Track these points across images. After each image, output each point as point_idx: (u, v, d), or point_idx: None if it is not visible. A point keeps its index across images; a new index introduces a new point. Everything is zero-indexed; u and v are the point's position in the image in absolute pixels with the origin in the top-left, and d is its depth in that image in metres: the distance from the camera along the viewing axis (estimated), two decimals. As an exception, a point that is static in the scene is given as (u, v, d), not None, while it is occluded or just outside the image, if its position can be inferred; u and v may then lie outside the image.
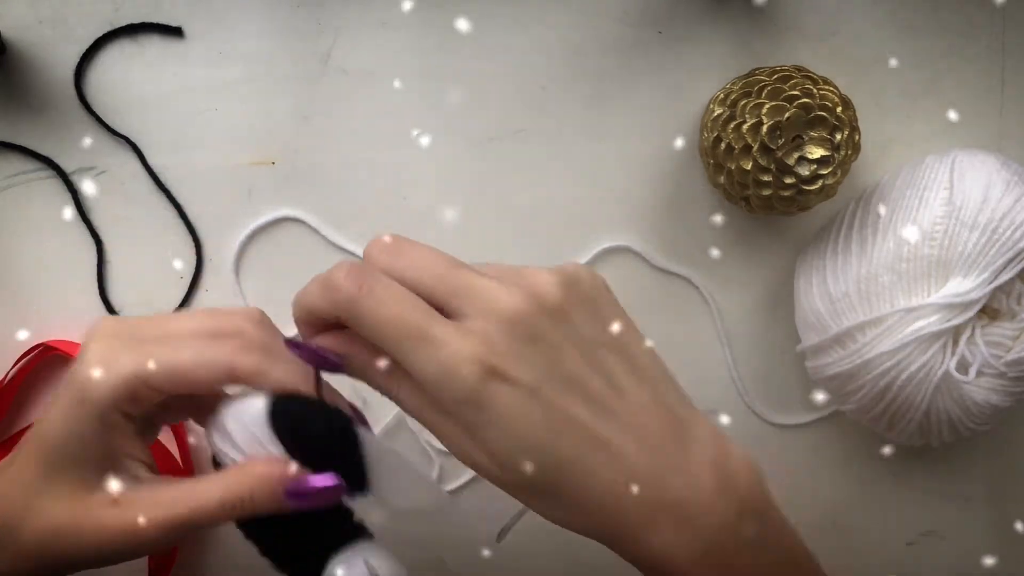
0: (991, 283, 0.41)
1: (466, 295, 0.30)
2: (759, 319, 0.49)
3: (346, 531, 0.36)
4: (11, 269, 0.47)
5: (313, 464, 0.32)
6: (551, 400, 0.30)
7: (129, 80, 0.46)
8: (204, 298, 0.48)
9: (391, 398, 0.32)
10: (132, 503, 0.32)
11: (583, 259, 0.48)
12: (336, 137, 0.47)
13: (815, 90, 0.42)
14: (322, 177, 0.47)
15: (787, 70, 0.43)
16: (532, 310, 0.30)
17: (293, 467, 0.32)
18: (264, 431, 0.32)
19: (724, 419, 0.49)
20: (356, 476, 0.33)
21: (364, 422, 0.35)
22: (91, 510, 0.32)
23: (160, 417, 0.36)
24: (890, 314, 0.42)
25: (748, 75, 0.45)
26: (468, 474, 0.49)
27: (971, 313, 0.41)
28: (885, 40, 0.47)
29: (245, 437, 0.33)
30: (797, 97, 0.42)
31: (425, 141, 0.47)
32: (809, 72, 0.43)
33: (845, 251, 0.44)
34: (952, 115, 0.48)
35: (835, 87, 0.43)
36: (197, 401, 0.35)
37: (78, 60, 0.46)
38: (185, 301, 0.48)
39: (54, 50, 0.46)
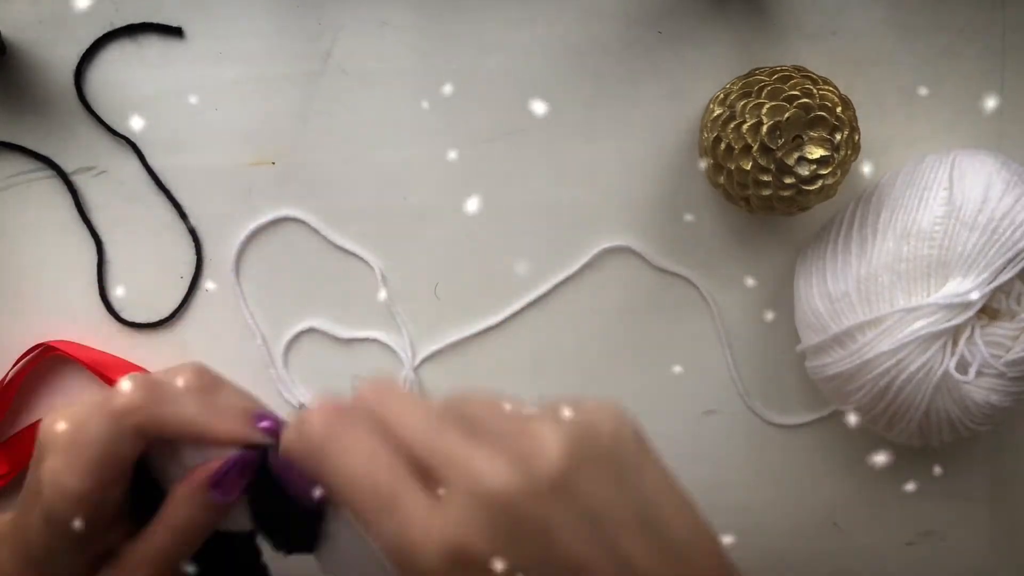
0: (991, 283, 0.41)
1: (449, 464, 0.26)
2: (759, 319, 0.49)
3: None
4: (11, 269, 0.47)
5: (268, 511, 0.33)
6: None
7: (129, 80, 0.46)
8: (204, 298, 0.48)
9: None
10: None
11: (583, 259, 0.48)
12: (336, 137, 0.47)
13: (815, 90, 0.42)
14: (322, 177, 0.47)
15: (787, 70, 0.43)
16: (523, 488, 0.25)
17: (205, 467, 0.32)
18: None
19: (724, 419, 0.49)
20: (308, 537, 0.33)
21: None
22: None
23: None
24: (890, 314, 0.42)
25: (748, 75, 0.45)
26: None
27: (971, 313, 0.41)
28: (885, 40, 0.47)
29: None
30: (797, 97, 0.42)
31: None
32: (809, 72, 0.43)
33: (845, 251, 0.44)
34: (952, 115, 0.48)
35: (835, 87, 0.43)
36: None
37: (78, 60, 0.46)
38: (185, 301, 0.48)
39: (54, 50, 0.46)
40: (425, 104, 0.47)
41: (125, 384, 0.32)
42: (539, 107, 0.47)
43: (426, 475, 0.26)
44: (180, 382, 0.33)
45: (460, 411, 0.28)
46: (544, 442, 0.26)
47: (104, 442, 0.31)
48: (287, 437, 0.29)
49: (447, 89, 0.47)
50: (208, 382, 0.34)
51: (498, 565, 0.24)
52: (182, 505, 0.32)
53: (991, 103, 0.48)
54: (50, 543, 0.32)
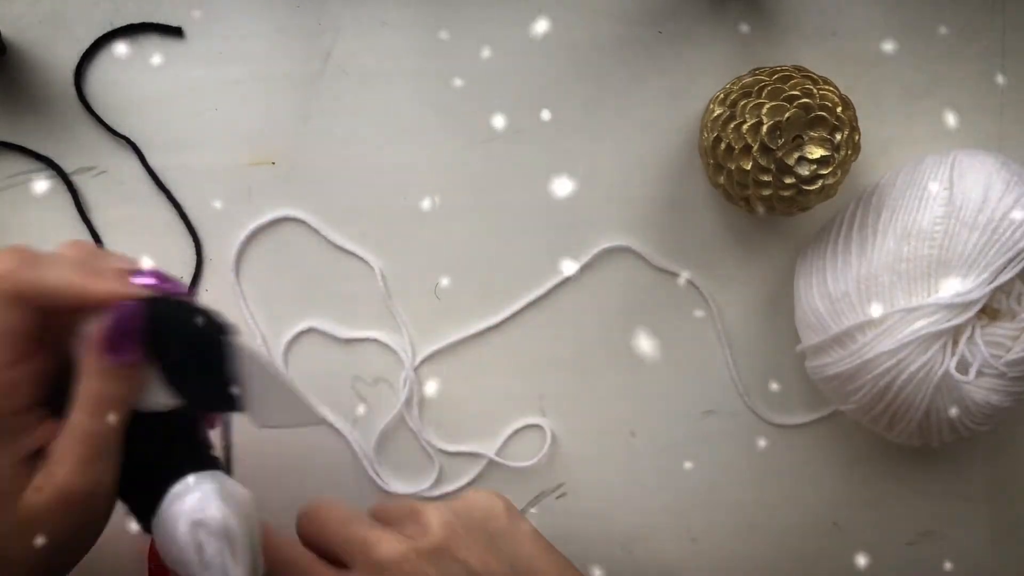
0: (991, 283, 0.41)
1: (351, 547, 0.35)
2: (759, 319, 0.49)
3: (198, 461, 0.36)
4: (11, 269, 0.47)
5: (175, 367, 0.33)
6: None
7: (129, 80, 0.47)
8: (204, 298, 0.48)
9: None
10: (49, 477, 0.32)
11: (583, 259, 0.48)
12: (336, 137, 0.47)
13: (815, 90, 0.42)
14: (322, 177, 0.47)
15: (787, 70, 0.43)
16: (407, 555, 0.34)
17: (94, 331, 0.32)
18: None
19: (724, 419, 0.49)
20: (223, 388, 0.34)
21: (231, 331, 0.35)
22: (27, 509, 0.32)
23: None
24: (890, 314, 0.42)
25: (748, 75, 0.45)
26: (468, 475, 0.49)
27: (971, 313, 0.41)
28: (885, 40, 0.47)
29: None
30: (797, 97, 0.42)
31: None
32: (809, 72, 0.43)
33: (845, 251, 0.44)
34: (952, 115, 0.48)
35: (835, 87, 0.43)
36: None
37: (78, 60, 0.46)
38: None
39: (54, 50, 0.46)
40: (425, 104, 0.47)
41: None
42: (539, 107, 0.47)
43: (341, 564, 0.35)
44: (57, 251, 0.33)
45: (374, 512, 0.37)
46: (427, 520, 0.35)
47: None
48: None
49: (447, 89, 0.47)
50: (88, 251, 0.34)
51: None
52: (88, 379, 0.32)
53: (991, 103, 0.48)
54: None
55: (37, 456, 0.32)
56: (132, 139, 0.47)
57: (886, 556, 0.50)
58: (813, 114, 0.42)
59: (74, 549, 0.34)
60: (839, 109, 0.42)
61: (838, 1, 0.47)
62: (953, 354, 0.42)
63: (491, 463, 0.49)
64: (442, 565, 0.34)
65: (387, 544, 0.35)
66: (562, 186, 0.48)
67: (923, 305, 0.41)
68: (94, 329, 0.32)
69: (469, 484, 0.49)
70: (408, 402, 0.48)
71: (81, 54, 0.46)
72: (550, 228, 0.48)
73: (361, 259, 0.48)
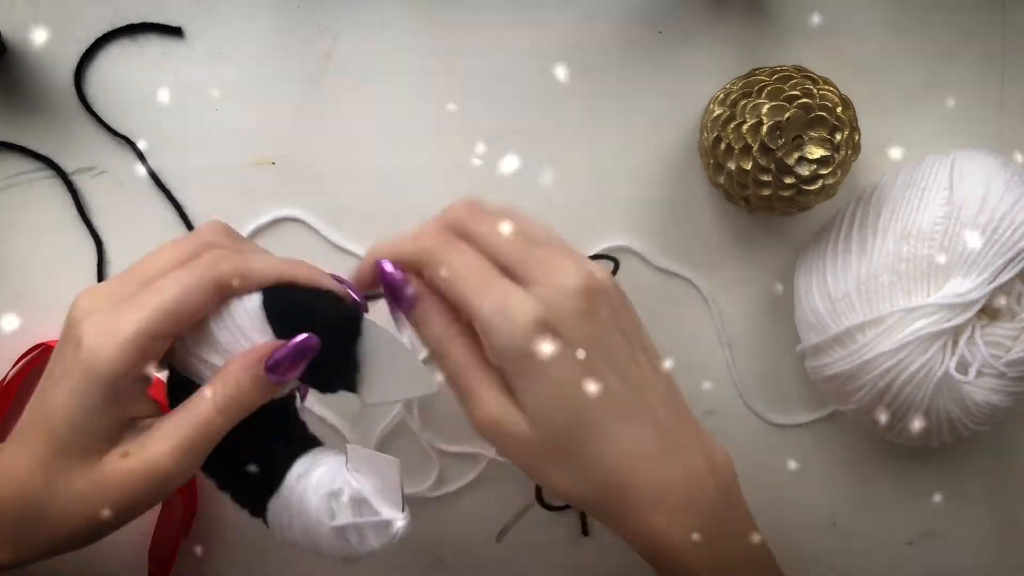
0: (991, 283, 0.41)
1: (535, 265, 0.34)
2: (759, 319, 0.49)
3: (302, 441, 0.37)
4: (11, 269, 0.47)
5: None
6: (593, 367, 0.33)
7: (129, 80, 0.46)
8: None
9: (437, 352, 0.35)
10: (141, 447, 0.33)
11: (583, 259, 0.48)
12: (336, 137, 0.47)
13: (815, 90, 0.42)
14: (322, 177, 0.47)
15: (787, 70, 0.43)
16: (592, 290, 0.33)
17: (263, 348, 0.34)
18: (255, 326, 0.34)
19: (724, 419, 0.49)
20: (348, 371, 0.35)
21: (365, 308, 0.36)
22: (106, 471, 0.33)
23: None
24: (890, 314, 0.42)
25: (748, 75, 0.45)
26: (469, 476, 0.49)
27: (971, 313, 0.41)
28: (885, 40, 0.47)
29: (230, 340, 0.34)
30: (797, 97, 0.42)
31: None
32: (809, 72, 0.43)
33: (845, 251, 0.44)
34: (952, 115, 0.48)
35: (835, 87, 0.43)
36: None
37: (78, 60, 0.46)
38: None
39: (54, 50, 0.46)
40: (425, 104, 0.47)
41: (208, 235, 0.35)
42: (539, 107, 0.47)
43: (513, 277, 0.34)
44: (214, 235, 0.35)
45: (528, 230, 0.36)
46: (597, 269, 0.35)
47: (181, 292, 0.32)
48: (402, 241, 0.36)
49: (447, 89, 0.47)
50: (234, 234, 0.36)
51: (567, 335, 0.33)
52: (231, 378, 0.34)
53: (991, 103, 0.48)
54: (83, 406, 0.32)
55: (130, 426, 0.34)
56: (132, 139, 0.47)
57: (886, 556, 0.50)
58: (813, 114, 0.42)
59: (115, 526, 0.34)
60: (839, 109, 0.42)
61: (838, 1, 0.47)
62: (953, 354, 0.42)
63: (491, 462, 0.49)
64: (610, 313, 0.34)
65: (575, 274, 0.33)
66: (562, 186, 0.48)
67: (923, 305, 0.41)
68: (266, 346, 0.34)
69: (469, 484, 0.49)
70: (408, 402, 0.48)
71: (81, 54, 0.46)
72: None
73: (361, 259, 0.48)
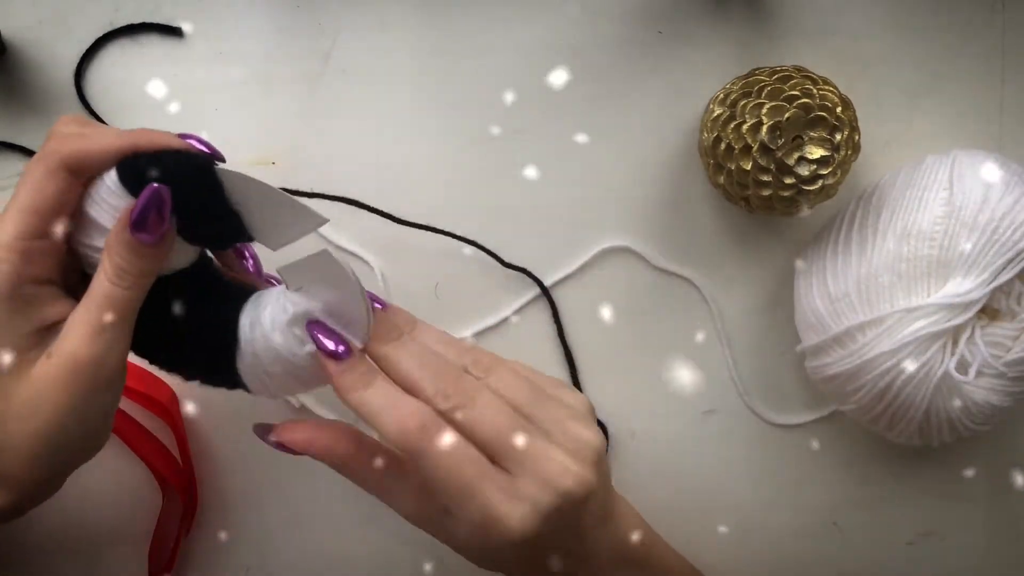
0: (991, 283, 0.41)
1: (523, 459, 0.34)
2: (759, 319, 0.49)
3: (236, 295, 0.37)
4: (11, 269, 0.47)
5: (179, 212, 0.34)
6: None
7: (129, 80, 0.47)
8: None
9: (382, 497, 0.38)
10: (60, 343, 0.33)
11: (583, 259, 0.48)
12: (336, 137, 0.47)
13: (815, 90, 0.42)
14: (322, 177, 0.47)
15: (787, 70, 0.43)
16: (578, 491, 0.35)
17: (125, 209, 0.33)
18: (121, 200, 0.34)
19: (724, 419, 0.49)
20: (227, 218, 0.34)
21: (220, 157, 0.35)
22: (38, 374, 0.32)
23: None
24: (890, 314, 0.42)
25: (748, 75, 0.45)
26: (468, 474, 0.49)
27: (971, 313, 0.41)
28: (885, 40, 0.47)
29: (108, 219, 0.34)
30: (797, 97, 0.42)
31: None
32: (809, 72, 0.43)
33: (845, 251, 0.44)
34: (952, 115, 0.48)
35: (835, 87, 0.43)
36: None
37: (78, 60, 0.46)
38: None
39: (54, 50, 0.46)
40: (425, 104, 0.47)
41: (57, 125, 0.34)
42: (539, 107, 0.47)
43: (498, 461, 0.34)
44: (59, 125, 0.34)
45: (525, 401, 0.36)
46: (587, 451, 0.36)
47: (32, 185, 0.32)
48: (382, 418, 0.34)
49: (447, 89, 0.47)
50: (81, 120, 0.35)
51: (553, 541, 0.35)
52: (112, 251, 0.33)
53: (991, 103, 0.48)
54: None
55: (52, 331, 0.33)
56: (132, 139, 0.47)
57: (886, 556, 0.50)
58: (813, 114, 0.42)
59: (77, 431, 0.34)
60: (839, 109, 0.42)
61: (838, 1, 0.47)
62: (953, 354, 0.42)
63: (491, 463, 0.49)
64: (590, 505, 0.36)
65: (568, 479, 0.35)
66: (562, 186, 0.48)
67: (923, 305, 0.41)
68: (124, 210, 0.33)
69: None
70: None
71: (81, 54, 0.46)
72: (550, 228, 0.48)
73: (361, 259, 0.48)
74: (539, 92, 0.47)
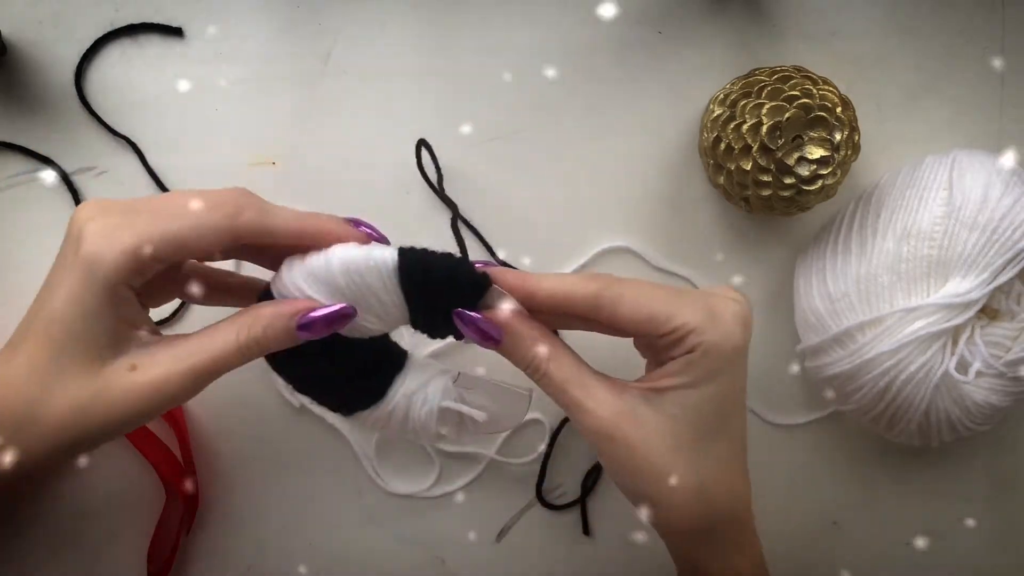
0: (990, 283, 0.41)
1: (706, 299, 0.36)
2: (759, 319, 0.49)
3: (396, 356, 0.39)
4: (11, 269, 0.47)
5: (435, 307, 0.36)
6: (732, 411, 0.37)
7: (129, 80, 0.47)
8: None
9: (537, 374, 0.36)
10: (152, 363, 0.33)
11: (583, 259, 0.48)
12: (336, 137, 0.47)
13: (815, 90, 0.42)
14: (322, 177, 0.47)
15: (787, 70, 0.43)
16: (746, 331, 0.37)
17: (300, 304, 0.34)
18: (386, 284, 0.35)
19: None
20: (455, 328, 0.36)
21: (385, 240, 0.38)
22: (112, 380, 0.33)
23: (159, 287, 0.37)
24: (890, 314, 0.42)
25: (748, 75, 0.45)
26: (469, 476, 0.49)
27: (971, 313, 0.41)
28: (885, 40, 0.47)
29: (355, 292, 0.35)
30: (797, 97, 0.42)
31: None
32: (809, 72, 0.43)
33: (845, 251, 0.44)
34: (952, 115, 0.48)
35: (835, 87, 0.43)
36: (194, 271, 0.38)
37: (78, 60, 0.46)
38: (185, 302, 0.48)
39: (54, 50, 0.46)
40: (425, 104, 0.47)
41: (234, 190, 0.35)
42: (539, 107, 0.48)
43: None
44: (238, 192, 0.35)
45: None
46: (738, 309, 0.37)
47: (198, 226, 0.33)
48: (572, 287, 0.35)
49: (447, 89, 0.47)
50: (256, 195, 0.36)
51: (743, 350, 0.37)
52: (262, 323, 0.34)
53: (991, 103, 0.48)
54: (81, 306, 0.32)
55: (129, 337, 0.34)
56: (132, 139, 0.47)
57: (886, 556, 0.50)
58: (813, 114, 0.42)
59: (110, 436, 0.34)
60: (839, 109, 0.42)
61: (838, 1, 0.47)
62: (953, 354, 0.42)
63: (491, 462, 0.49)
64: (741, 364, 0.37)
65: (739, 307, 0.37)
66: (562, 186, 0.48)
67: (923, 305, 0.41)
68: (302, 303, 0.34)
69: (469, 484, 0.49)
70: (408, 402, 0.48)
71: (81, 54, 0.46)
72: (550, 228, 0.48)
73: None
74: (539, 92, 0.47)
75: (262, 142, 0.47)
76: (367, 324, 0.36)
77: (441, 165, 0.47)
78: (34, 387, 0.32)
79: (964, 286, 0.41)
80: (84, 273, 0.32)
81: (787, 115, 0.42)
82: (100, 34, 0.46)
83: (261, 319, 0.34)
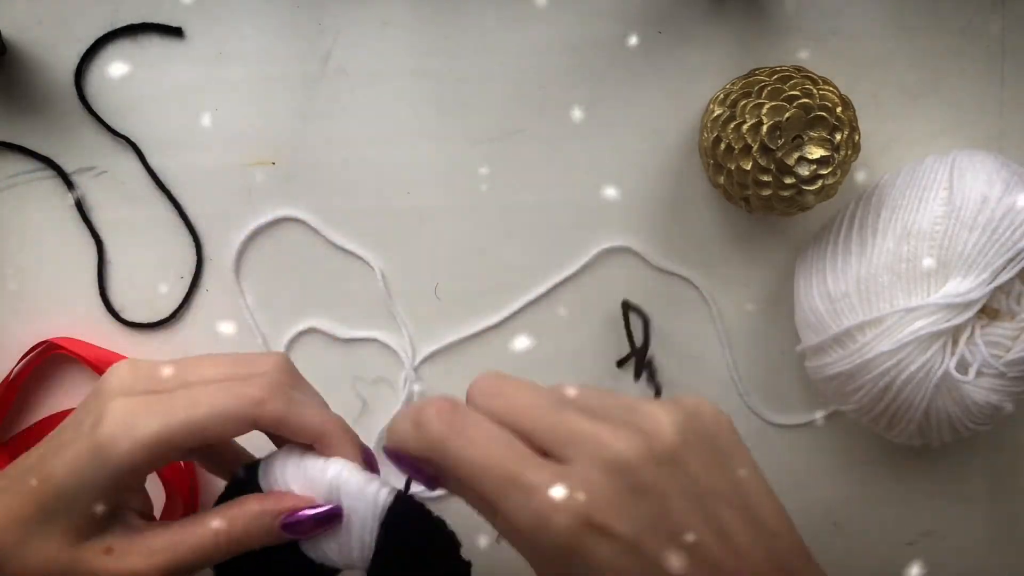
0: (991, 283, 0.41)
1: (569, 440, 0.28)
2: (759, 319, 0.49)
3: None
4: (11, 269, 0.47)
5: (401, 565, 0.33)
6: (653, 556, 0.27)
7: (129, 80, 0.46)
8: (204, 298, 0.48)
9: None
10: (127, 551, 0.32)
11: (583, 259, 0.48)
12: (336, 137, 0.47)
13: (815, 90, 0.42)
14: (322, 177, 0.47)
15: (787, 70, 0.43)
16: (642, 457, 0.27)
17: (289, 501, 0.33)
18: (366, 512, 0.33)
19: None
20: None
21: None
22: (84, 557, 0.32)
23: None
24: (890, 314, 0.42)
25: (748, 75, 0.45)
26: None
27: (971, 313, 0.41)
28: (885, 40, 0.47)
29: (282, 481, 0.34)
30: (797, 97, 0.42)
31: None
32: (809, 72, 0.43)
33: (845, 251, 0.44)
34: (952, 115, 0.48)
35: (835, 87, 0.43)
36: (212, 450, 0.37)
37: (78, 60, 0.46)
38: (185, 301, 0.48)
39: (54, 50, 0.46)
40: (425, 104, 0.47)
41: (268, 366, 0.33)
42: (539, 107, 0.47)
43: (545, 454, 0.28)
44: (273, 368, 0.34)
45: (570, 398, 0.30)
46: (659, 420, 0.28)
47: (216, 416, 0.31)
48: (402, 432, 0.30)
49: (447, 89, 0.47)
50: (294, 372, 0.35)
51: (620, 527, 0.27)
52: (244, 520, 0.32)
53: (991, 103, 0.48)
54: (84, 481, 0.31)
55: (116, 518, 0.33)
56: (132, 139, 0.47)
57: (886, 556, 0.50)
58: (813, 114, 0.42)
59: None
60: (839, 109, 0.42)
61: (838, 1, 0.47)
62: (953, 354, 0.42)
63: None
64: (674, 477, 0.28)
65: (625, 442, 0.27)
66: (562, 186, 0.48)
67: (923, 305, 0.41)
68: (289, 499, 0.33)
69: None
70: (408, 402, 0.48)
71: (81, 54, 0.46)
72: (550, 228, 0.48)
73: (361, 259, 0.48)
74: (539, 92, 0.47)
75: (262, 142, 0.47)
76: (327, 550, 0.34)
77: (441, 166, 0.47)
78: (9, 537, 0.31)
79: (964, 286, 0.41)
80: (95, 452, 0.31)
81: (787, 115, 0.42)
82: (100, 34, 0.46)
83: (243, 517, 0.33)
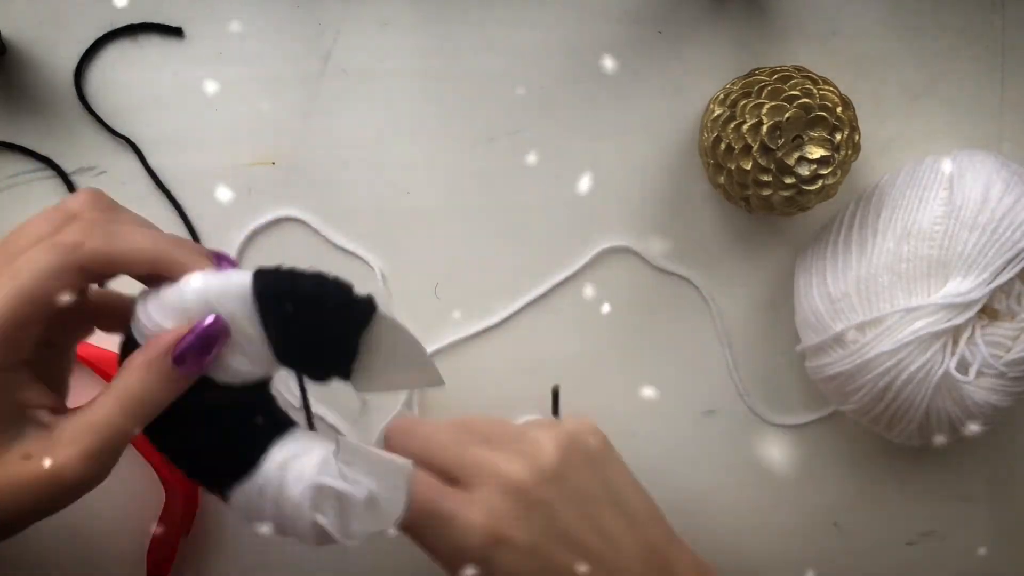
0: (991, 283, 0.41)
1: (472, 468, 0.35)
2: (759, 319, 0.49)
3: (276, 421, 0.34)
4: (11, 269, 0.47)
5: (290, 344, 0.31)
6: (549, 556, 0.34)
7: (129, 80, 0.46)
8: (204, 298, 0.48)
9: None
10: (45, 451, 0.30)
11: (583, 259, 0.48)
12: (336, 137, 0.47)
13: (815, 90, 0.42)
14: (322, 177, 0.47)
15: (787, 70, 0.43)
16: (532, 477, 0.35)
17: (165, 338, 0.31)
18: (241, 311, 0.31)
19: (724, 419, 0.49)
20: (347, 356, 0.33)
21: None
22: (7, 471, 0.30)
23: (56, 339, 0.34)
24: (890, 314, 0.42)
25: (748, 75, 0.45)
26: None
27: (971, 313, 0.41)
28: (885, 40, 0.48)
29: (153, 326, 0.31)
30: (797, 97, 0.42)
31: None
32: (809, 72, 0.43)
33: (845, 251, 0.44)
34: (952, 115, 0.48)
35: (835, 87, 0.43)
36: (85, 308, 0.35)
37: (78, 60, 0.46)
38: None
39: (54, 50, 0.46)
40: (425, 104, 0.47)
41: (78, 206, 0.32)
42: (539, 107, 0.48)
43: (456, 482, 0.35)
44: (85, 206, 0.32)
45: (471, 428, 0.37)
46: (543, 444, 0.36)
47: (39, 275, 0.30)
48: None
49: (447, 89, 0.47)
50: (108, 205, 0.33)
51: (520, 537, 0.34)
52: (136, 376, 0.31)
53: (991, 103, 0.48)
54: None
55: (24, 419, 0.31)
56: (132, 139, 0.47)
57: (886, 556, 0.50)
58: (813, 114, 0.42)
59: (11, 532, 0.31)
60: (839, 109, 0.42)
61: (838, 1, 0.47)
62: (953, 354, 0.42)
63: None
64: (562, 488, 0.35)
65: (517, 466, 0.35)
66: (562, 186, 0.48)
67: (923, 305, 0.41)
68: (167, 336, 0.31)
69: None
70: (408, 402, 0.48)
71: (81, 54, 0.46)
72: (550, 228, 0.48)
73: (361, 259, 0.48)
74: (539, 92, 0.47)
75: (262, 142, 0.47)
76: (236, 365, 0.32)
77: (441, 166, 0.47)
78: None
79: (964, 286, 0.41)
80: None
81: (787, 115, 0.42)
82: (100, 34, 0.46)
83: (134, 374, 0.31)
